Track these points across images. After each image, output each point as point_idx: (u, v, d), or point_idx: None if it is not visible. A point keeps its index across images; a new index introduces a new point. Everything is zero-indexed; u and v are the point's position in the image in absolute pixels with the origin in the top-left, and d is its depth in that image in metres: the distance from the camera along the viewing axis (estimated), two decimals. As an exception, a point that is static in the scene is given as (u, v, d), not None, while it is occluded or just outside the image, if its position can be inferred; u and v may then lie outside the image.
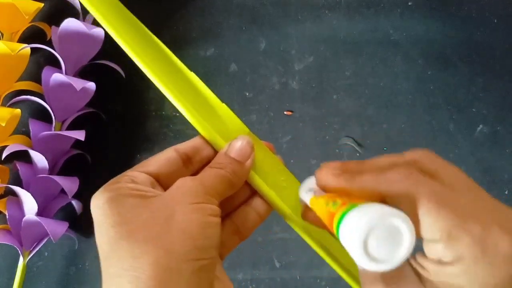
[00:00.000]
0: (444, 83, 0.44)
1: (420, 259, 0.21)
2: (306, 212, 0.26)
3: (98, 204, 0.23)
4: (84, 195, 0.45)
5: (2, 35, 0.45)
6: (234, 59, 0.47)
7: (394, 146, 0.44)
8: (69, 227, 0.43)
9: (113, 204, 0.22)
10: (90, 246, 0.46)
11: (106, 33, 0.43)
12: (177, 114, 0.47)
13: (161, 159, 0.26)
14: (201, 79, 0.48)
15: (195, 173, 0.26)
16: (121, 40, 0.29)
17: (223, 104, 0.30)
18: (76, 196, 0.43)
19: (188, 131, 0.46)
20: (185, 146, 0.27)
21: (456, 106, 0.44)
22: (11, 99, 0.44)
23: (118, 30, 0.30)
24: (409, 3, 0.45)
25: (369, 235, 0.19)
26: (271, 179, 0.28)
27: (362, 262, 0.20)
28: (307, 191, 0.26)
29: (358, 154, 0.44)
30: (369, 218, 0.19)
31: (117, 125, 0.47)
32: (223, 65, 0.47)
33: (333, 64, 0.45)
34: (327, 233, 0.28)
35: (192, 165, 0.27)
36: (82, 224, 0.46)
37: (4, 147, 0.42)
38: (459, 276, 0.20)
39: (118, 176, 0.24)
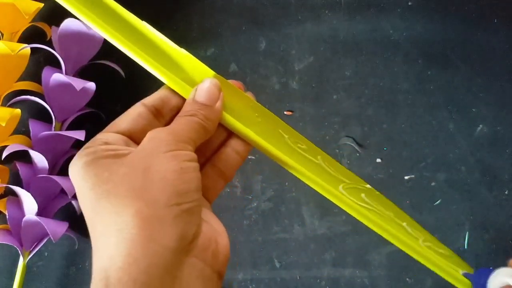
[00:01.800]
0: (444, 83, 0.44)
1: None
2: None
3: (75, 171, 0.23)
4: (84, 195, 0.45)
5: (2, 35, 0.45)
6: (234, 59, 0.47)
7: (394, 146, 0.44)
8: (69, 227, 0.43)
9: (89, 167, 0.22)
10: (90, 246, 0.46)
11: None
12: (177, 114, 0.47)
13: (130, 116, 0.25)
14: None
15: (167, 125, 0.26)
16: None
17: (184, 51, 0.29)
18: (76, 196, 0.43)
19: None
20: (152, 98, 0.27)
21: (456, 106, 0.44)
22: (11, 99, 0.44)
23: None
24: (409, 3, 0.45)
25: None
26: (245, 117, 0.28)
27: None
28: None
29: (358, 154, 0.44)
30: None
31: (117, 125, 0.47)
32: (223, 65, 0.47)
33: (333, 64, 0.46)
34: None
35: (163, 117, 0.27)
36: (82, 224, 0.46)
37: (4, 147, 0.42)
38: None
39: (90, 140, 0.24)
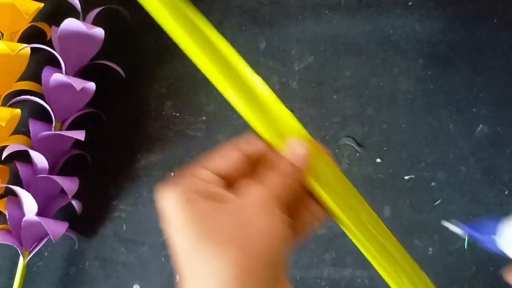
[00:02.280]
0: (444, 83, 0.44)
1: None
2: None
3: (172, 201, 0.23)
4: (84, 195, 0.45)
5: (2, 35, 0.45)
6: (234, 59, 0.47)
7: (394, 146, 0.44)
8: (69, 227, 0.43)
9: (188, 204, 0.23)
10: (90, 246, 0.46)
11: (106, 33, 0.43)
12: (177, 114, 0.47)
13: (227, 159, 0.27)
14: (201, 79, 0.48)
15: (256, 173, 0.27)
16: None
17: (280, 103, 0.29)
18: (76, 196, 0.43)
19: (188, 131, 0.46)
20: (247, 144, 0.28)
21: (456, 106, 0.44)
22: (11, 99, 0.44)
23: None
24: (409, 3, 0.45)
25: None
26: (328, 184, 0.28)
27: None
28: None
29: (358, 154, 0.44)
30: None
31: (117, 125, 0.47)
32: (223, 65, 0.47)
33: (333, 64, 0.45)
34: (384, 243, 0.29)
35: (254, 164, 0.28)
36: (82, 224, 0.46)
37: (4, 147, 0.42)
38: None
39: (186, 171, 0.25)
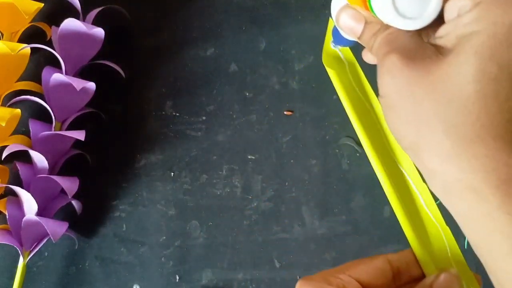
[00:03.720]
0: (444, 83, 0.44)
1: (438, 32, 0.22)
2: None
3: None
4: (84, 195, 0.45)
5: (2, 35, 0.45)
6: (234, 59, 0.47)
7: (394, 146, 0.44)
8: (69, 227, 0.43)
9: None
10: (90, 246, 0.46)
11: (106, 33, 0.43)
12: (177, 114, 0.47)
13: (374, 269, 0.26)
14: (201, 79, 0.48)
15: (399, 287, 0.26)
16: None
17: (446, 225, 0.28)
18: (76, 196, 0.43)
19: (188, 131, 0.46)
20: (398, 258, 0.27)
21: (456, 106, 0.44)
22: (11, 99, 0.44)
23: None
24: (409, 3, 0.45)
25: None
26: None
27: (393, 21, 0.22)
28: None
29: (358, 154, 0.44)
30: None
31: (117, 125, 0.47)
32: (223, 65, 0.47)
33: (333, 64, 0.45)
34: None
35: (399, 280, 0.27)
36: (82, 224, 0.46)
37: (4, 147, 0.42)
38: (476, 21, 0.20)
39: (330, 272, 0.25)
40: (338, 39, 0.33)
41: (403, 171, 0.29)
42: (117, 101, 0.47)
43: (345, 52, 0.33)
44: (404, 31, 0.23)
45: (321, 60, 0.46)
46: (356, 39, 0.27)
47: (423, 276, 0.26)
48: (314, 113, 0.45)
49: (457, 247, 0.28)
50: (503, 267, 0.20)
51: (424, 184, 0.28)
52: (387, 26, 0.24)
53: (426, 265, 0.26)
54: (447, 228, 0.28)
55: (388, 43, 0.23)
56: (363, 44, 0.26)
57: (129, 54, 0.47)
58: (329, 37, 0.34)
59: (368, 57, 0.30)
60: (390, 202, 0.27)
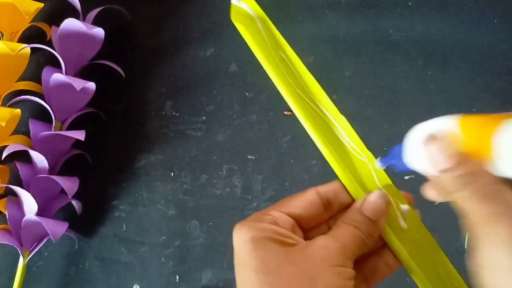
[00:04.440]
0: (444, 83, 0.44)
1: None
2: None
3: (242, 240, 0.24)
4: (84, 195, 0.45)
5: (2, 35, 0.45)
6: (234, 59, 0.47)
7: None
8: (69, 227, 0.43)
9: (256, 245, 0.23)
10: (90, 246, 0.46)
11: (106, 33, 0.43)
12: (177, 114, 0.47)
13: (304, 202, 0.26)
14: (201, 79, 0.48)
15: (332, 217, 0.27)
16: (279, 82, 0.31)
17: (368, 151, 0.29)
18: (76, 196, 0.43)
19: (188, 131, 0.46)
20: (326, 189, 0.27)
21: (456, 106, 0.44)
22: (11, 99, 0.44)
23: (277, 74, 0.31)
24: (409, 3, 0.45)
25: None
26: (406, 236, 0.27)
27: None
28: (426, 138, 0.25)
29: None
30: None
31: (117, 125, 0.47)
32: (223, 65, 0.47)
33: (333, 64, 0.45)
34: None
35: (331, 210, 0.28)
36: (82, 224, 0.46)
37: (4, 147, 0.42)
38: None
39: (262, 212, 0.26)
40: (398, 163, 0.29)
41: (323, 109, 0.30)
42: (117, 101, 0.47)
43: (255, 8, 0.33)
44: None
45: (321, 60, 0.46)
46: (431, 172, 0.25)
47: (353, 202, 0.27)
48: (314, 113, 0.45)
49: (384, 172, 0.29)
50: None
51: (343, 118, 0.30)
52: (489, 174, 0.22)
53: (354, 191, 0.27)
54: (372, 155, 0.29)
55: (493, 201, 0.21)
56: (441, 181, 0.25)
57: (129, 54, 0.47)
58: None
59: (433, 194, 0.28)
60: (313, 139, 0.28)
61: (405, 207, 0.29)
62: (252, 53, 0.47)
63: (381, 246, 0.28)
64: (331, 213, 0.28)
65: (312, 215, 0.26)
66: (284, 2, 0.47)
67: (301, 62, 0.32)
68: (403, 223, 0.28)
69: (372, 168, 0.29)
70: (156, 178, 0.46)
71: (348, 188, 0.28)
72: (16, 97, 0.44)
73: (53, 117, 0.43)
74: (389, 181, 0.29)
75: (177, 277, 0.45)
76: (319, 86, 0.32)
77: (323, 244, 0.24)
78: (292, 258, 0.23)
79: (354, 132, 0.30)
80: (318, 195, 0.27)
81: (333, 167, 0.28)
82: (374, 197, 0.27)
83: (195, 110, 0.46)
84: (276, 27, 0.47)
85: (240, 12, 0.33)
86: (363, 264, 0.28)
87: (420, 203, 0.43)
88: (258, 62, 0.47)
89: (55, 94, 0.43)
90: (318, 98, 0.32)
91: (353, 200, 0.28)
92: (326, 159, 0.28)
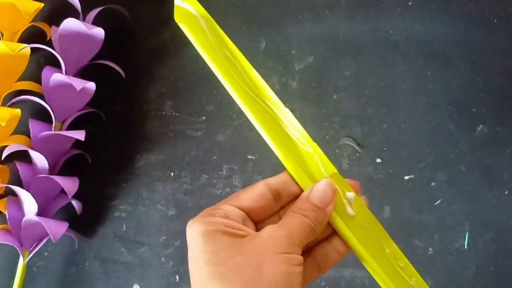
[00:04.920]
0: (444, 83, 0.44)
1: None
2: None
3: (194, 234, 0.25)
4: (84, 195, 0.45)
5: (2, 35, 0.45)
6: (234, 59, 0.47)
7: (394, 146, 0.44)
8: (69, 227, 0.43)
9: (207, 238, 0.24)
10: (90, 246, 0.46)
11: (106, 33, 0.43)
12: (177, 114, 0.47)
13: (253, 194, 0.28)
14: (201, 79, 0.48)
15: (282, 208, 0.29)
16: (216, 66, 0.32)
17: (313, 142, 0.30)
18: (76, 196, 0.43)
19: (188, 131, 0.46)
20: (275, 181, 0.29)
21: (456, 106, 0.44)
22: (11, 99, 0.44)
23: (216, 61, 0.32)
24: (409, 3, 0.45)
25: None
26: (353, 221, 0.29)
27: None
28: None
29: (358, 154, 0.44)
30: None
31: (117, 125, 0.47)
32: (223, 65, 0.47)
33: (333, 64, 0.46)
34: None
35: (281, 200, 0.29)
36: (82, 224, 0.46)
37: (4, 147, 0.42)
38: None
39: (213, 207, 0.27)
40: None
41: (269, 104, 0.31)
42: (117, 101, 0.47)
43: (198, 8, 0.34)
44: None
45: (321, 60, 0.46)
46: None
47: (302, 192, 0.28)
48: (314, 113, 0.45)
49: (329, 162, 0.30)
50: None
51: (288, 110, 0.31)
52: None
53: (302, 182, 0.28)
54: (317, 146, 0.30)
55: None
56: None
57: (129, 54, 0.47)
58: None
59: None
60: (261, 133, 0.30)
61: (351, 194, 0.29)
62: (252, 53, 0.47)
63: (330, 233, 0.29)
64: (282, 204, 0.29)
65: (263, 206, 0.27)
66: (284, 2, 0.47)
67: (245, 59, 0.33)
68: (350, 210, 0.29)
69: (318, 158, 0.30)
70: (156, 178, 0.46)
71: (296, 179, 0.29)
72: (16, 97, 0.44)
73: (53, 117, 0.43)
74: (335, 170, 0.30)
75: (177, 277, 0.45)
76: (264, 82, 0.32)
77: (270, 233, 0.25)
78: (241, 248, 0.24)
79: (299, 125, 0.31)
80: (268, 187, 0.28)
81: (281, 159, 0.29)
82: (321, 186, 0.28)
83: (195, 110, 0.46)
84: (276, 27, 0.47)
85: (184, 12, 0.34)
86: (315, 252, 0.29)
87: (420, 204, 0.43)
88: (258, 62, 0.47)
89: (55, 94, 0.43)
90: (263, 93, 0.32)
91: (302, 191, 0.28)
92: (274, 151, 0.29)
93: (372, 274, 0.28)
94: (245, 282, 0.23)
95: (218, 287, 0.23)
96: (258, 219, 0.28)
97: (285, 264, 0.24)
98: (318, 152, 0.30)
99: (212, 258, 0.24)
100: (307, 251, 0.28)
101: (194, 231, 0.25)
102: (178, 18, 0.34)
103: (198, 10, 0.34)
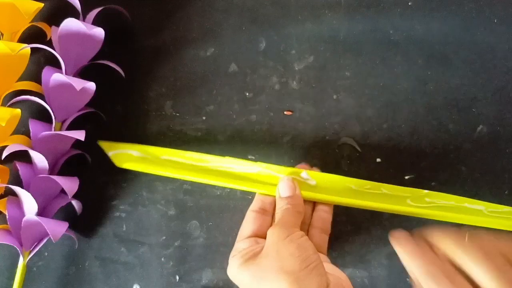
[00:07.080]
0: (444, 83, 0.44)
1: None
2: None
3: (234, 272, 0.33)
4: (84, 195, 0.45)
5: (2, 35, 0.45)
6: (234, 59, 0.47)
7: (394, 146, 0.44)
8: (69, 227, 0.43)
9: (243, 268, 0.33)
10: (90, 246, 0.46)
11: (106, 33, 0.43)
12: (177, 114, 0.47)
13: (248, 223, 0.37)
14: (201, 79, 0.48)
15: (273, 216, 0.38)
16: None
17: (256, 162, 0.42)
18: (76, 196, 0.43)
19: (188, 131, 0.46)
20: (256, 203, 0.38)
21: (456, 106, 0.44)
22: (11, 99, 0.44)
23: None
24: (409, 3, 0.45)
25: None
26: (319, 186, 0.40)
27: None
28: None
29: (358, 154, 0.44)
30: None
31: (117, 125, 0.47)
32: (223, 65, 0.47)
33: (333, 64, 0.46)
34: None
35: (269, 212, 0.38)
36: (82, 224, 0.46)
37: (4, 147, 0.42)
38: None
39: (233, 249, 0.36)
40: None
41: (217, 164, 0.42)
42: (117, 101, 0.47)
43: (124, 146, 0.44)
44: None
45: (321, 60, 0.46)
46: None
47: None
48: (314, 113, 0.45)
49: (276, 166, 0.40)
50: None
51: (226, 157, 0.42)
52: None
53: (270, 191, 0.39)
54: (260, 163, 0.41)
55: None
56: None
57: (129, 54, 0.47)
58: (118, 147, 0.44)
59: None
60: (227, 185, 0.41)
61: (304, 173, 0.39)
62: (252, 53, 0.47)
63: (313, 205, 0.40)
64: (272, 213, 0.38)
65: (260, 225, 0.36)
66: (284, 1, 0.47)
67: (179, 151, 0.43)
68: (311, 182, 0.39)
69: (267, 169, 0.40)
70: (156, 178, 0.46)
71: (265, 193, 0.39)
72: (16, 97, 0.44)
73: (53, 117, 0.43)
74: (285, 171, 0.40)
75: (177, 277, 0.45)
76: (202, 153, 0.42)
77: (272, 231, 0.33)
78: (263, 254, 0.33)
79: (241, 159, 0.41)
80: (254, 212, 0.37)
81: (249, 190, 0.40)
82: (281, 184, 0.38)
83: (195, 110, 0.46)
84: (276, 27, 0.47)
85: (118, 156, 0.43)
86: (314, 223, 0.39)
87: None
88: (258, 62, 0.47)
89: (55, 94, 0.43)
90: (204, 160, 0.42)
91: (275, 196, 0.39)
92: (243, 190, 0.40)
93: (357, 206, 0.39)
94: (276, 268, 0.31)
95: (265, 283, 0.31)
96: (264, 235, 0.35)
97: (292, 243, 0.32)
98: (264, 165, 0.40)
99: (251, 275, 0.32)
100: (309, 226, 0.39)
101: (233, 269, 0.33)
102: (119, 163, 0.43)
103: (125, 147, 0.44)
